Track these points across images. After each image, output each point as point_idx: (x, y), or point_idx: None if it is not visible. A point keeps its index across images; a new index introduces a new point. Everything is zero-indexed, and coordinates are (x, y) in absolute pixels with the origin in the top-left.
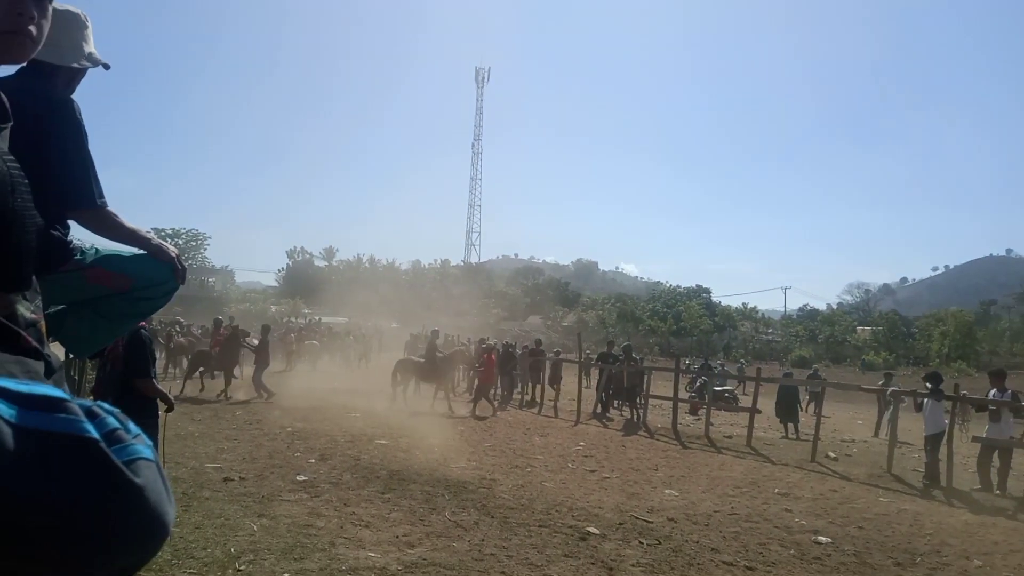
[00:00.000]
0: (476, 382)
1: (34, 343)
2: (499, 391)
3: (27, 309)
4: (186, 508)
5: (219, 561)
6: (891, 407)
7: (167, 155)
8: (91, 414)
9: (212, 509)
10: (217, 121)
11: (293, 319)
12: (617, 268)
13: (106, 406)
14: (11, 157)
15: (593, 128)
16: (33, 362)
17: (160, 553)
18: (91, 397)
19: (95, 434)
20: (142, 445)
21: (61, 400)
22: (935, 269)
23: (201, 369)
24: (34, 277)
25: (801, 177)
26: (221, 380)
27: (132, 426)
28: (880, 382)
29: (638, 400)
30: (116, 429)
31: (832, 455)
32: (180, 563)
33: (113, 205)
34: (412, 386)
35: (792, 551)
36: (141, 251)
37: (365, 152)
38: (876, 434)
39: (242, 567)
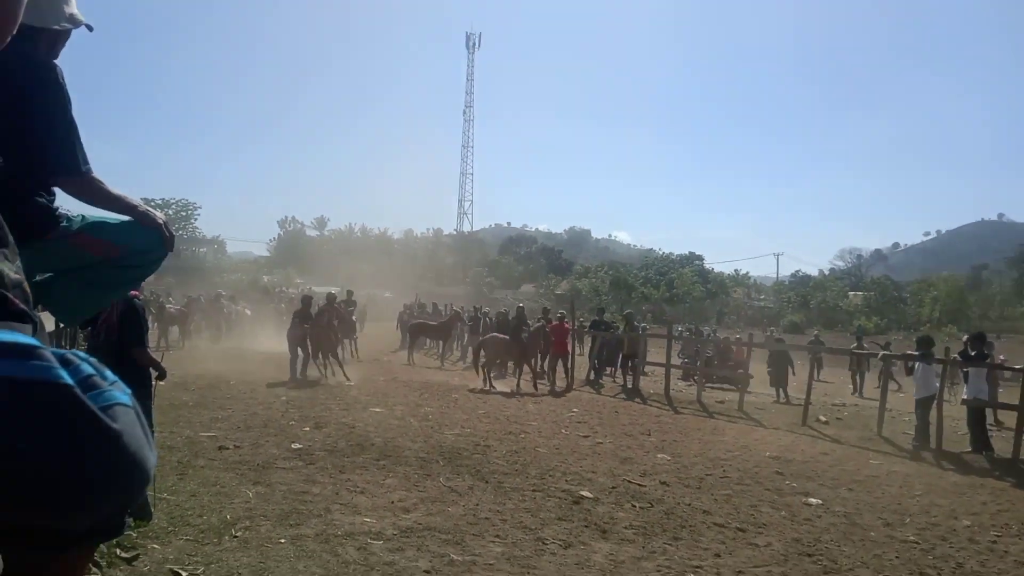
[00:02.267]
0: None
1: (20, 304)
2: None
3: (10, 270)
4: (181, 476)
5: (215, 528)
6: (881, 369)
7: (156, 125)
8: (65, 361)
9: (207, 477)
10: (206, 90)
11: (285, 289)
12: (610, 236)
13: (81, 354)
14: None
15: (585, 96)
16: (20, 324)
17: (156, 520)
18: None
19: (69, 380)
20: (119, 391)
21: (33, 347)
22: (927, 234)
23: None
24: (11, 237)
25: (792, 142)
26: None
27: (109, 373)
28: (852, 345)
29: (638, 367)
30: (91, 376)
31: (823, 419)
32: (176, 530)
33: (101, 176)
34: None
35: (783, 513)
36: (128, 218)
37: (356, 120)
38: (857, 392)
39: (238, 533)
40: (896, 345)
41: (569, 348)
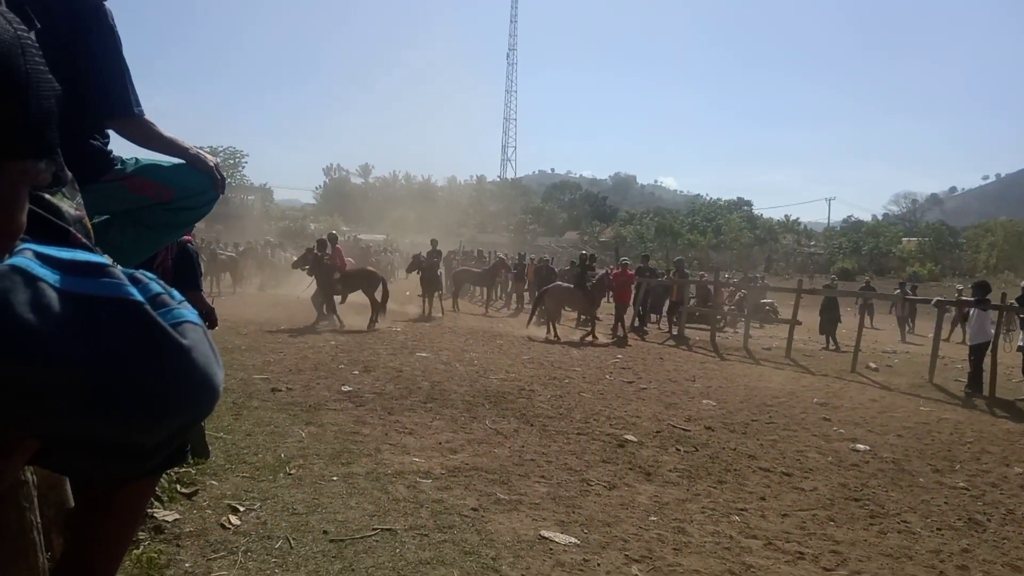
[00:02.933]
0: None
1: (83, 239)
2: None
3: (70, 206)
4: (236, 416)
5: (270, 466)
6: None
7: (203, 73)
8: (134, 280)
9: (262, 417)
10: (251, 38)
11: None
12: (656, 182)
13: (149, 274)
14: (16, 19)
15: (631, 40)
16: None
17: (214, 457)
18: None
19: (139, 297)
20: (187, 311)
21: (103, 265)
22: (986, 178)
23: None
24: (70, 174)
25: (847, 87)
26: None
27: (176, 293)
28: (895, 291)
29: (683, 313)
30: (160, 294)
31: (873, 366)
32: (233, 467)
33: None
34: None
35: (829, 458)
36: (180, 161)
37: (400, 66)
38: (903, 339)
39: (292, 471)
40: (951, 292)
41: (631, 296)
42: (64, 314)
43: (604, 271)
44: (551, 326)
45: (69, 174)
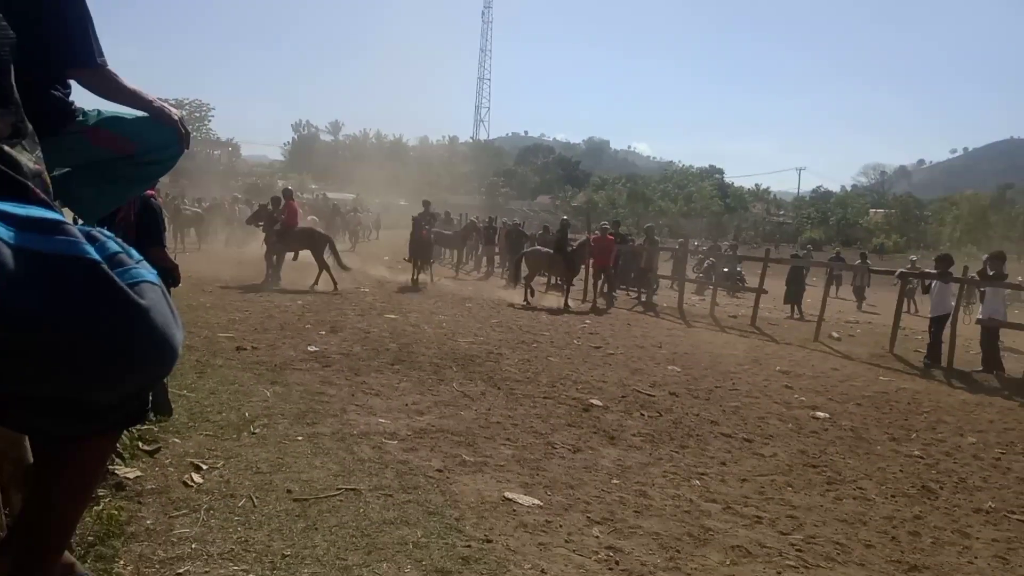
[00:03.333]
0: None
1: (41, 195)
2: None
3: (29, 160)
4: (200, 375)
5: (234, 424)
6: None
7: (168, 22)
8: (91, 238)
9: (226, 376)
10: None
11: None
12: (629, 147)
13: (107, 232)
14: None
15: (608, 2)
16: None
17: (177, 415)
18: None
19: (96, 256)
20: (145, 270)
21: (59, 222)
22: (953, 151)
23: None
24: (30, 127)
25: (818, 55)
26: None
27: (134, 252)
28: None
29: (651, 281)
30: (117, 253)
31: (836, 335)
32: (196, 425)
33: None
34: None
35: (790, 425)
36: (144, 114)
37: (371, 21)
38: (859, 308)
39: (256, 430)
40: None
41: (612, 262)
42: (17, 270)
43: (585, 237)
44: (527, 289)
45: (29, 126)
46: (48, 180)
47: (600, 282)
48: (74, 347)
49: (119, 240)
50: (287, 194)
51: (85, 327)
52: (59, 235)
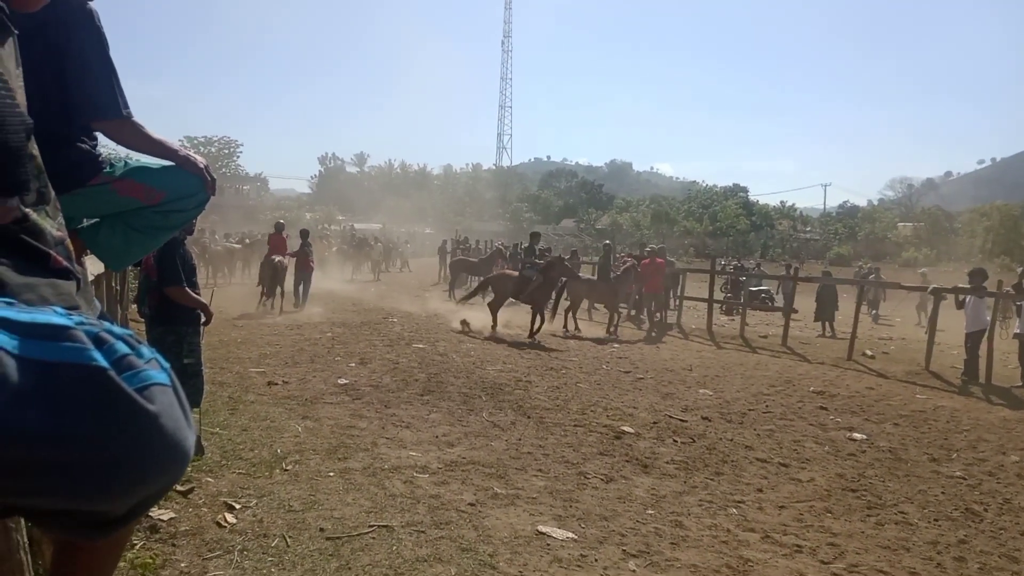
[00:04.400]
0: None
1: (64, 262)
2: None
3: (52, 227)
4: (232, 411)
5: (266, 461)
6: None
7: (195, 63)
8: (99, 341)
9: (258, 412)
10: (244, 26)
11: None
12: (652, 168)
13: (116, 330)
14: None
15: (625, 23)
16: (64, 283)
17: (209, 454)
18: (134, 305)
19: (103, 362)
20: (155, 370)
21: (65, 328)
22: (981, 162)
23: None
24: (53, 192)
25: (841, 71)
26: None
27: (145, 350)
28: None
29: (671, 302)
30: (126, 355)
31: (869, 353)
32: (229, 464)
33: (141, 115)
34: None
35: (827, 448)
36: (170, 163)
37: (395, 55)
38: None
39: (288, 466)
40: (945, 278)
41: (661, 287)
42: (23, 383)
43: (631, 262)
44: (568, 319)
45: (52, 192)
46: (71, 247)
47: (651, 308)
48: (82, 462)
49: (129, 338)
50: (279, 227)
51: (94, 441)
52: (66, 342)
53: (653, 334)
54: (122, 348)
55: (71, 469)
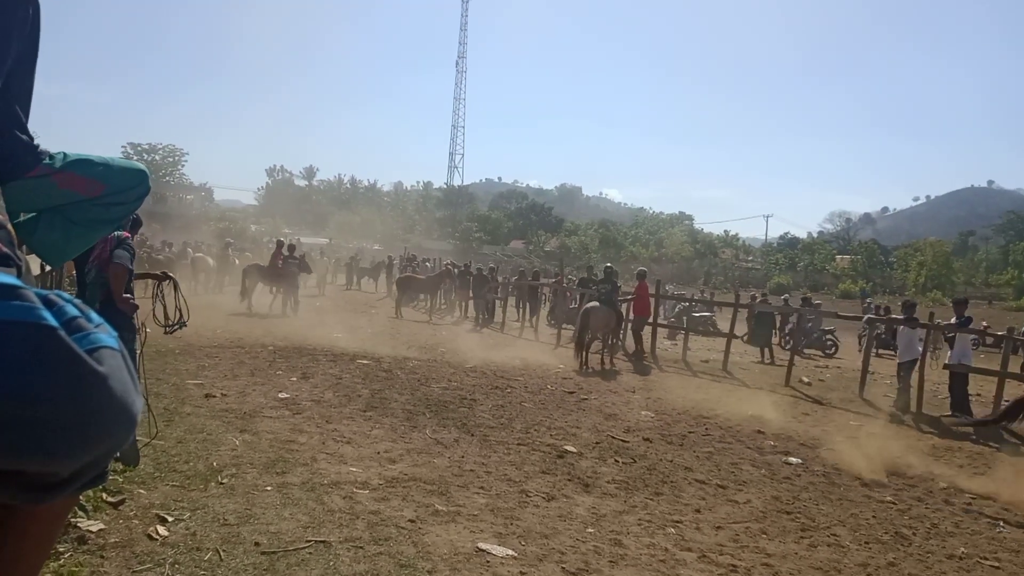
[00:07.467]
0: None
1: (3, 248)
2: (477, 314)
3: None
4: (168, 423)
5: (202, 474)
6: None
7: (144, 69)
8: (48, 302)
9: (194, 424)
10: (195, 35)
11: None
12: (601, 194)
13: (65, 295)
14: None
15: (580, 51)
16: (4, 268)
17: (142, 465)
18: None
19: (53, 322)
20: (105, 334)
21: (14, 287)
22: (916, 199)
23: None
24: None
25: (785, 105)
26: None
27: (94, 315)
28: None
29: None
30: (76, 317)
31: (806, 380)
32: (163, 476)
33: (88, 120)
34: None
35: (763, 471)
36: (111, 155)
37: (348, 69)
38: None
39: (224, 480)
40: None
41: (649, 311)
42: None
43: (635, 287)
44: (582, 352)
45: None
46: (12, 231)
47: (640, 333)
48: (28, 420)
49: (78, 303)
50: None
51: (38, 398)
52: (15, 300)
53: (648, 362)
54: (71, 311)
55: (18, 427)
